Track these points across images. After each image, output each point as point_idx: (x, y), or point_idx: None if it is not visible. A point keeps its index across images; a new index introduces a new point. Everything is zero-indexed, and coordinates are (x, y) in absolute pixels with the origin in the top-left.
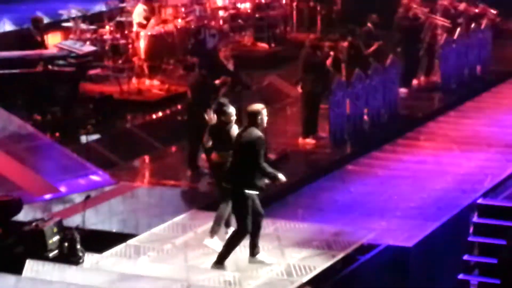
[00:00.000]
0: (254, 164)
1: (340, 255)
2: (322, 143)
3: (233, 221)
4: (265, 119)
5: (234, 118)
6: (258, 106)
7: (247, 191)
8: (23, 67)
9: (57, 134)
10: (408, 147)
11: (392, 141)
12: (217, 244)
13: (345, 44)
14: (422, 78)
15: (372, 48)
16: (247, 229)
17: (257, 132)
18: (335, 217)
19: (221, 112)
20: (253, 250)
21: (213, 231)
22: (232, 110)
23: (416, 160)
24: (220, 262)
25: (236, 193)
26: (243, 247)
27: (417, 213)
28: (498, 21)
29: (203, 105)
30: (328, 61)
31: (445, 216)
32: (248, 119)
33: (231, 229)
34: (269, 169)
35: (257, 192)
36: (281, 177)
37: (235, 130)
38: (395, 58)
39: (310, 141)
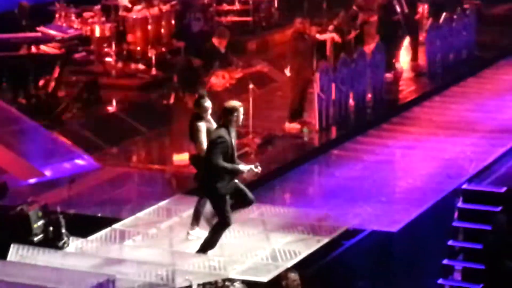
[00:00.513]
0: (212, 163)
1: (325, 240)
2: (307, 128)
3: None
4: (241, 117)
5: (209, 112)
6: (235, 103)
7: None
8: (7, 50)
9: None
10: (393, 132)
11: (377, 126)
12: (200, 233)
13: (331, 28)
14: (409, 63)
15: (354, 33)
16: (228, 222)
17: (218, 132)
18: (321, 202)
19: (197, 104)
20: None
21: (193, 224)
22: (208, 104)
23: (401, 145)
24: (203, 251)
25: (208, 191)
26: (228, 231)
27: (402, 198)
28: (479, 6)
29: (189, 90)
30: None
31: (430, 201)
32: (223, 115)
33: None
34: (228, 166)
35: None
36: (244, 168)
37: (212, 125)
38: (380, 43)
39: (295, 125)
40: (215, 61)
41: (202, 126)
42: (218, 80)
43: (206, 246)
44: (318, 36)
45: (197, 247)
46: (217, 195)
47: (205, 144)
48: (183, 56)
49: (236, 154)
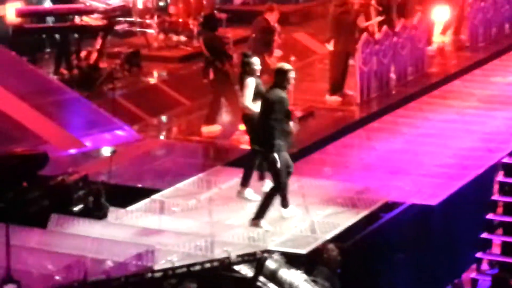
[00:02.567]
0: (274, 121)
1: (364, 213)
2: (348, 101)
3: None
4: (292, 80)
5: (258, 68)
6: (287, 65)
7: (275, 147)
8: (51, 21)
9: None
10: (434, 105)
11: (418, 99)
12: (253, 194)
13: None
14: (451, 36)
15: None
16: (282, 185)
17: (278, 93)
18: (360, 175)
19: (246, 63)
20: (283, 202)
21: (243, 185)
22: (257, 60)
23: (442, 118)
24: (258, 217)
25: (265, 151)
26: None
27: (441, 172)
28: None
29: (267, 50)
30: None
31: (470, 175)
32: (277, 76)
33: (267, 182)
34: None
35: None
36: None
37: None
38: (422, 15)
39: (336, 98)
40: (273, 36)
41: (251, 81)
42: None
43: (261, 211)
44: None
45: (237, 218)
46: (274, 154)
47: (249, 100)
48: (261, 17)
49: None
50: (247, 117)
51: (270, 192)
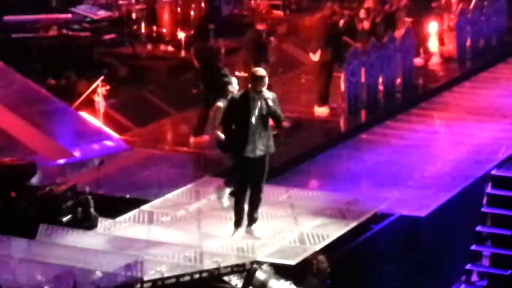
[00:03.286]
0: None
1: (353, 224)
2: (336, 112)
3: None
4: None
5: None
6: (261, 70)
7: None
8: (37, 31)
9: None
10: (423, 117)
11: (406, 111)
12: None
13: (362, 12)
14: (439, 48)
15: (382, 17)
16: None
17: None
18: (349, 185)
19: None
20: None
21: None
22: (233, 81)
23: (430, 130)
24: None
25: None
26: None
27: (430, 183)
28: None
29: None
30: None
31: (458, 186)
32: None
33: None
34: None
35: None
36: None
37: None
38: (410, 27)
39: (324, 110)
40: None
41: (221, 105)
42: None
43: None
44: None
45: (226, 229)
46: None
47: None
48: (252, 28)
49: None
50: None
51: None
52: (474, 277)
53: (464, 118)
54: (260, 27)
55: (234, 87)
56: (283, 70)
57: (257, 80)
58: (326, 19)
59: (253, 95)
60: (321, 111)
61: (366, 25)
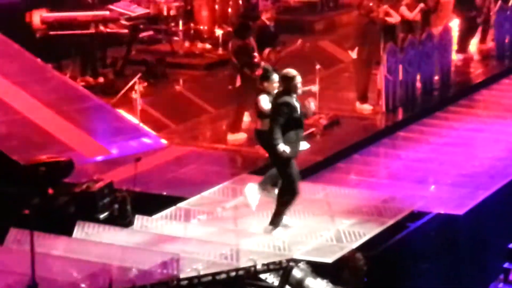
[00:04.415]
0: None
1: (390, 222)
2: (374, 109)
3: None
4: (299, 85)
5: (276, 85)
6: (292, 72)
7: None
8: (76, 28)
9: (109, 96)
10: (461, 115)
11: (444, 108)
12: (253, 195)
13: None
14: (478, 45)
15: (416, 11)
16: (293, 191)
17: (285, 98)
18: (386, 183)
19: (264, 78)
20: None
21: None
22: (275, 77)
23: (468, 128)
24: (272, 224)
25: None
26: (293, 212)
27: (468, 181)
28: None
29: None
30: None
31: (496, 184)
32: (282, 83)
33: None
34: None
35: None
36: (282, 148)
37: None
38: (448, 24)
39: (367, 106)
40: (267, 39)
41: (264, 98)
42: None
43: (275, 218)
44: (387, 19)
45: (262, 226)
46: (281, 160)
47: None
48: (261, 22)
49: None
50: (259, 133)
51: (282, 199)
52: None
53: (503, 116)
54: (266, 16)
55: (273, 82)
56: (321, 67)
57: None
58: (363, 17)
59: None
60: (364, 108)
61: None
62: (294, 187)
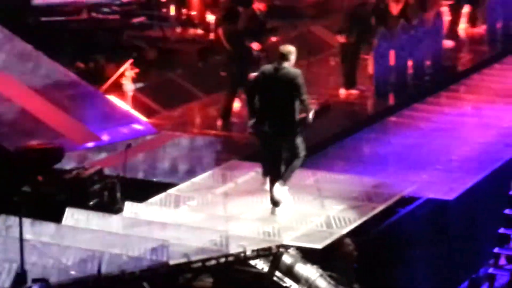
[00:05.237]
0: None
1: (380, 207)
2: (364, 95)
3: None
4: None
5: None
6: (290, 47)
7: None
8: (67, 14)
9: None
10: (451, 100)
11: (435, 93)
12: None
13: None
14: (469, 30)
15: None
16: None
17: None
18: (376, 169)
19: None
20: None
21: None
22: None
23: (459, 112)
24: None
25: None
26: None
27: (458, 166)
28: None
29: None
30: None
31: (486, 169)
32: (283, 57)
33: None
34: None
35: None
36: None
37: None
38: (440, 9)
39: (352, 92)
40: (255, 27)
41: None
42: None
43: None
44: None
45: (252, 213)
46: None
47: None
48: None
49: None
50: None
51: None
52: (502, 260)
53: (494, 100)
54: (258, 6)
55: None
56: (311, 52)
57: None
58: (354, 1)
59: None
60: (349, 93)
61: (396, 8)
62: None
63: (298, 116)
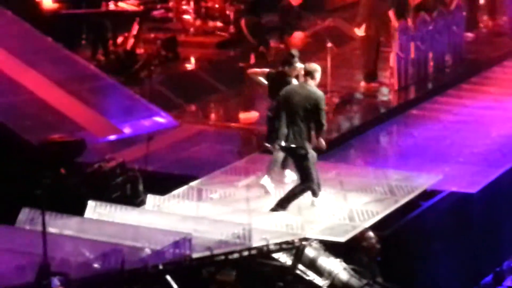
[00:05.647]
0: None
1: (403, 201)
2: (386, 87)
3: (291, 165)
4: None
5: (297, 73)
6: (315, 65)
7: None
8: (87, 7)
9: (121, 74)
10: (473, 92)
11: (456, 86)
12: (271, 185)
13: None
14: (489, 22)
15: None
16: (311, 182)
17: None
18: (398, 162)
19: (287, 62)
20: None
21: (268, 173)
22: (299, 65)
23: (480, 105)
24: (277, 209)
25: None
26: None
27: (481, 159)
28: None
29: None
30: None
31: (509, 162)
32: (307, 75)
33: (287, 171)
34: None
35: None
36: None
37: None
38: (459, 1)
39: (373, 85)
40: (292, 19)
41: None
42: (296, 39)
43: (283, 203)
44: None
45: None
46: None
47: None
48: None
49: None
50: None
51: (297, 189)
52: None
53: None
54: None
55: (295, 69)
56: (332, 45)
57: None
58: None
59: None
60: (368, 87)
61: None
62: (311, 179)
63: (311, 140)
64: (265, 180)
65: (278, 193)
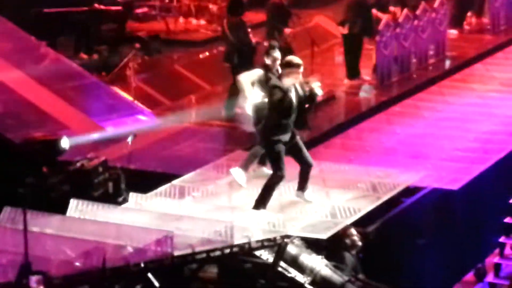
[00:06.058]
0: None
1: (385, 197)
2: (368, 84)
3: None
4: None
5: (278, 63)
6: (297, 60)
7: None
8: (70, 5)
9: (103, 73)
10: (456, 89)
11: (439, 83)
12: (241, 177)
13: None
14: (473, 19)
15: None
16: (281, 174)
17: (276, 81)
18: (381, 159)
19: (266, 53)
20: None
21: (243, 166)
22: (278, 55)
23: (463, 102)
24: (257, 207)
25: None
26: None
27: (463, 156)
28: None
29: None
30: None
31: (491, 159)
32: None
33: (262, 169)
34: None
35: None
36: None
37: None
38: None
39: (355, 83)
40: (283, 16)
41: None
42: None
43: (261, 201)
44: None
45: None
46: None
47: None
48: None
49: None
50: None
51: (268, 184)
52: (508, 250)
53: (498, 90)
54: None
55: (273, 59)
56: (316, 43)
57: None
58: None
59: None
60: (351, 84)
61: None
62: (281, 172)
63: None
64: (237, 171)
65: (257, 190)
